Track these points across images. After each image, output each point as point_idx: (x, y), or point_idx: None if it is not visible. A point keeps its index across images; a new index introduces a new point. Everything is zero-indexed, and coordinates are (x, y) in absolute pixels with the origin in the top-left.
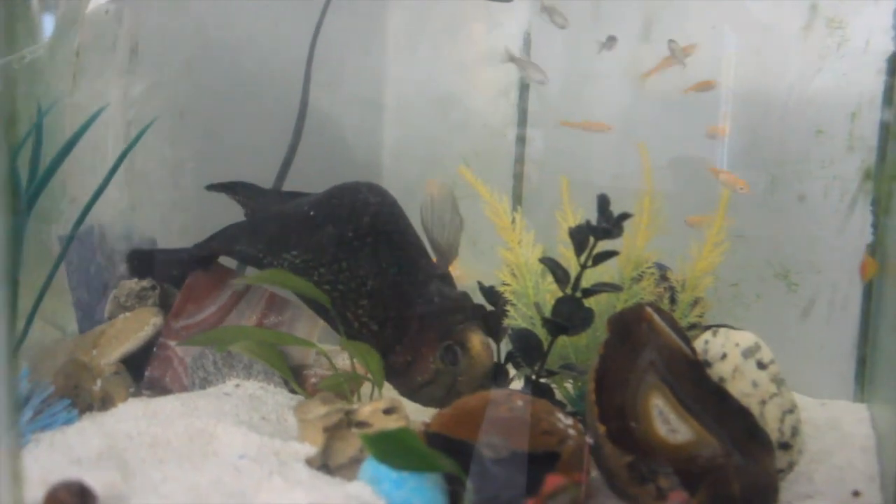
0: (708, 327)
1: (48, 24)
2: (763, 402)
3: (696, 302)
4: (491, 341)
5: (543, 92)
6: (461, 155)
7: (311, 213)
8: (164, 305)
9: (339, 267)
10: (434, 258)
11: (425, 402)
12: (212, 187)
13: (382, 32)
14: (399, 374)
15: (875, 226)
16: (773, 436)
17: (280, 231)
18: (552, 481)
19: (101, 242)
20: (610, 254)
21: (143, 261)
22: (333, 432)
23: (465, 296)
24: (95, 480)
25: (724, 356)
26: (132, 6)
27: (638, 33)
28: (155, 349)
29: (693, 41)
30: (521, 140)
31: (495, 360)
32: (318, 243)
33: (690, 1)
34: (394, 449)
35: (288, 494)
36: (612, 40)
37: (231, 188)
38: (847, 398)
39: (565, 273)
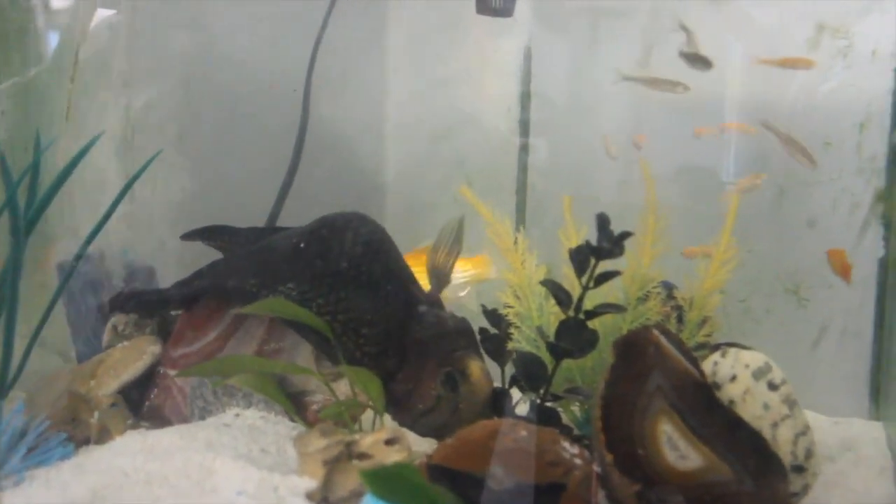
0: (717, 346)
1: (52, 44)
2: (775, 425)
3: (704, 321)
4: (488, 368)
5: (546, 102)
6: (464, 171)
7: (301, 245)
8: (163, 333)
9: (338, 297)
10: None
11: (425, 432)
12: (186, 236)
13: (382, 49)
14: (400, 403)
15: (886, 239)
16: (787, 459)
17: (270, 265)
18: None
19: (99, 270)
20: (612, 273)
21: (127, 304)
22: (334, 465)
23: (462, 322)
24: None
25: (733, 378)
26: (128, 27)
27: (639, 43)
28: (154, 379)
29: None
30: (523, 154)
31: (494, 386)
32: (313, 274)
33: (692, 11)
34: (393, 485)
35: None
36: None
37: (206, 234)
38: (862, 416)
39: (567, 295)
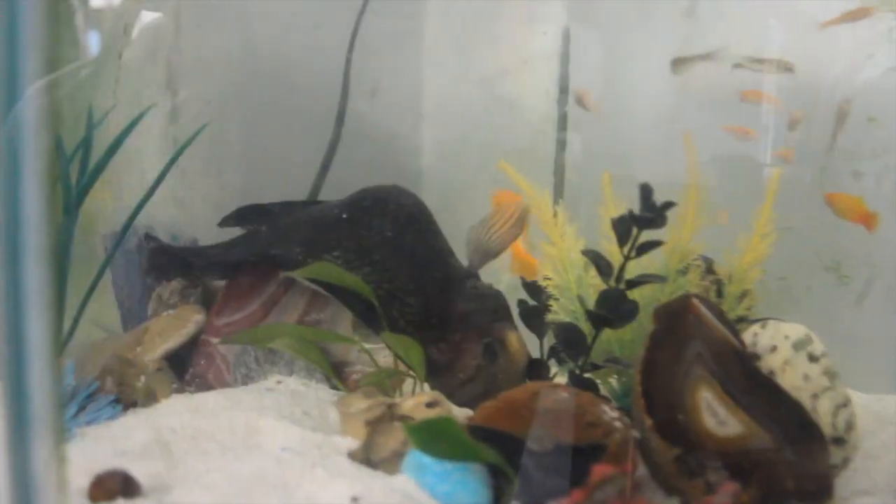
0: (757, 321)
1: (93, 40)
2: (815, 396)
3: (743, 294)
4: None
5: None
6: (502, 154)
7: (344, 215)
8: (207, 303)
9: (383, 266)
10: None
11: (465, 401)
12: (223, 223)
13: (420, 33)
14: (441, 372)
15: None
16: (827, 430)
17: (315, 234)
18: (599, 471)
19: (146, 243)
20: (654, 244)
21: (165, 262)
22: (376, 426)
23: (499, 294)
24: (140, 470)
25: (773, 349)
26: (172, 17)
27: (680, 27)
28: (198, 346)
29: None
30: (561, 136)
31: (531, 357)
32: (358, 243)
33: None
34: (435, 437)
35: (330, 485)
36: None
37: (241, 218)
38: None
39: (608, 265)
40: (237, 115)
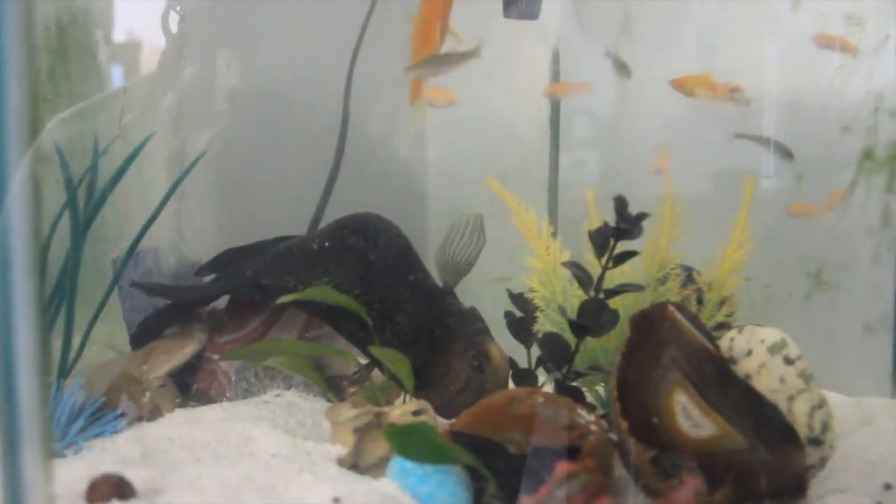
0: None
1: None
2: (791, 398)
3: (722, 302)
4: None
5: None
6: (499, 174)
7: (326, 244)
8: (210, 323)
9: (372, 288)
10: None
11: (455, 413)
12: (201, 272)
13: None
14: (433, 386)
15: None
16: (803, 431)
17: (300, 263)
18: (562, 468)
19: (152, 265)
20: (630, 254)
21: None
22: (363, 433)
23: (474, 310)
24: (136, 476)
25: (749, 352)
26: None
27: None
28: (202, 364)
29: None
30: (554, 153)
31: (516, 366)
32: (345, 269)
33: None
34: (413, 442)
35: (315, 488)
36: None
37: (218, 264)
38: (884, 395)
39: (588, 275)
40: (242, 141)
